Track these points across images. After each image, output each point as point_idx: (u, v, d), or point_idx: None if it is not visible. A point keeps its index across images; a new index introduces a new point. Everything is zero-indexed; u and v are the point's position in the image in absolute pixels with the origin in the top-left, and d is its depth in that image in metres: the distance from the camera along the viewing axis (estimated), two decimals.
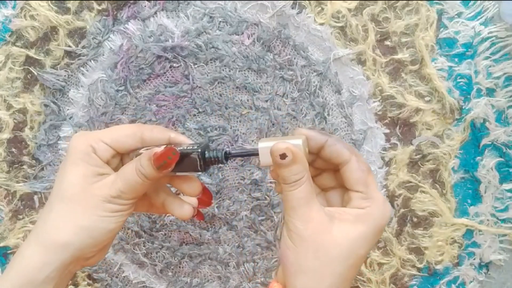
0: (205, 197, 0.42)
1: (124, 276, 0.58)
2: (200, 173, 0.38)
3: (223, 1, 0.53)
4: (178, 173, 0.38)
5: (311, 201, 0.35)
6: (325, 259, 0.34)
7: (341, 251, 0.34)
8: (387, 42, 0.54)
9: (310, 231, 0.35)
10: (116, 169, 0.39)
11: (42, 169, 0.56)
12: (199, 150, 0.36)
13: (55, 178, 0.41)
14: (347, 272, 0.35)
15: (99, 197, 0.36)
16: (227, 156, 0.38)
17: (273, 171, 0.39)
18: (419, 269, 0.57)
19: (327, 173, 0.40)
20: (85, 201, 0.36)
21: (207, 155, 0.37)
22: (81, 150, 0.37)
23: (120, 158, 0.40)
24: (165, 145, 0.37)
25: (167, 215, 0.55)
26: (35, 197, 0.57)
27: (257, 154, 0.37)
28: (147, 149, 0.38)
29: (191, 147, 0.37)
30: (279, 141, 0.35)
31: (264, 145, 0.36)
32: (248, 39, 0.53)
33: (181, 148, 0.37)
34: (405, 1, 0.53)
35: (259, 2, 0.53)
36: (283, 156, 0.34)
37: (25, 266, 0.35)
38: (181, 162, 0.36)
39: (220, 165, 0.36)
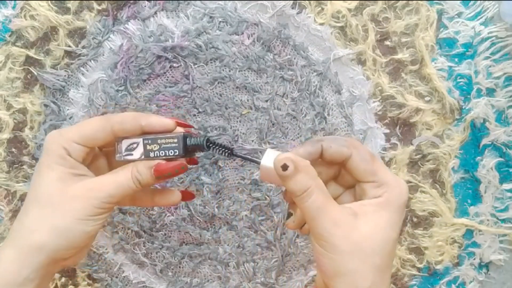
0: (188, 194, 0.43)
1: (124, 276, 0.57)
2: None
3: (223, 1, 0.53)
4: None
5: (329, 207, 0.35)
6: (362, 257, 0.34)
7: (375, 244, 0.34)
8: (387, 42, 0.54)
9: (339, 236, 0.34)
10: (92, 163, 0.40)
11: None
12: (181, 150, 0.36)
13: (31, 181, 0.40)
14: (387, 260, 0.35)
15: (82, 198, 0.35)
16: (208, 145, 0.37)
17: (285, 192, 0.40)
18: (419, 269, 0.57)
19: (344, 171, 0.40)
20: (62, 203, 0.35)
21: (189, 142, 0.36)
22: (55, 153, 0.36)
23: (97, 150, 0.41)
24: (143, 136, 0.37)
25: (167, 215, 0.55)
26: None
27: (252, 161, 0.37)
28: (125, 138, 0.37)
29: (171, 140, 0.36)
30: (281, 153, 0.35)
31: (265, 161, 0.36)
32: (248, 39, 0.53)
33: (161, 142, 0.36)
34: (405, 1, 0.53)
35: (259, 2, 0.53)
36: (284, 167, 0.34)
37: (3, 271, 0.35)
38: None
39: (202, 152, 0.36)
